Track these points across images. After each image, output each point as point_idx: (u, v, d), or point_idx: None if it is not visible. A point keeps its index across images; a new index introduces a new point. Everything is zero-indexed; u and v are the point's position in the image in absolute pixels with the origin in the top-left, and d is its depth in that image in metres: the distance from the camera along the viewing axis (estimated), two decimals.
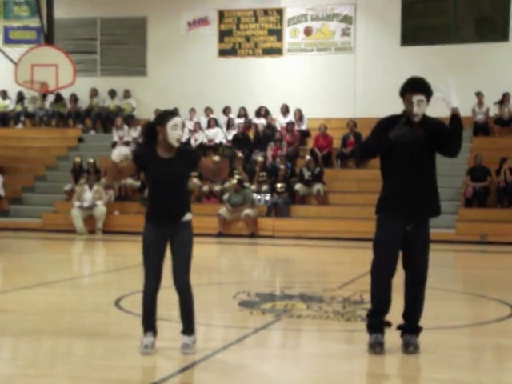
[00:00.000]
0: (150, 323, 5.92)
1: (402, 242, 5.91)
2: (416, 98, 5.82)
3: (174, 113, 5.97)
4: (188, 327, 5.89)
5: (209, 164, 6.16)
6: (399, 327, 6.03)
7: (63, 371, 5.50)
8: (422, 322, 6.53)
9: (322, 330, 7.09)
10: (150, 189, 5.95)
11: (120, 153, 5.88)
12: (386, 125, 5.95)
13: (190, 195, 6.23)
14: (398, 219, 5.85)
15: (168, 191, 5.82)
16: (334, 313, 7.77)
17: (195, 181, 18.94)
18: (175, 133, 5.79)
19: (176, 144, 5.81)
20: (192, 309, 5.91)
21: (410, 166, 5.86)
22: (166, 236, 5.85)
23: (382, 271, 5.90)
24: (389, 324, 6.02)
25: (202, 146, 20.75)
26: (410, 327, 5.99)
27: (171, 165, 5.81)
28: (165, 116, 5.87)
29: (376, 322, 5.97)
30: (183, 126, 5.90)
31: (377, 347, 5.86)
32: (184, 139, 20.78)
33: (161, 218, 5.84)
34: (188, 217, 5.90)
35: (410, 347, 5.89)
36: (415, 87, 5.86)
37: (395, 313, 6.08)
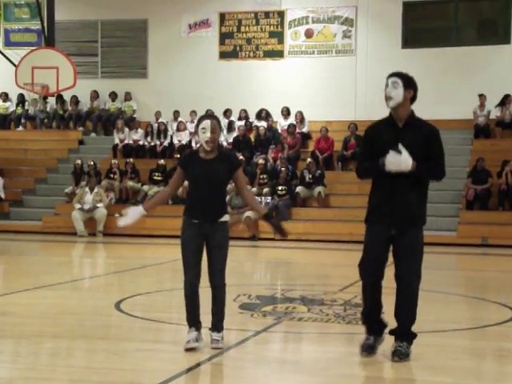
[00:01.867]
0: (191, 318, 6.07)
1: (388, 246, 5.75)
2: (391, 80, 5.80)
3: (206, 116, 6.17)
4: (218, 324, 6.09)
5: (242, 179, 6.22)
6: (391, 332, 5.88)
7: (64, 374, 5.49)
8: (423, 326, 6.51)
9: (322, 333, 7.08)
10: (190, 189, 6.17)
11: (133, 214, 6.08)
12: (372, 136, 5.85)
13: (225, 198, 6.31)
14: (381, 224, 5.73)
15: (206, 191, 5.99)
16: (334, 316, 7.76)
17: None
18: (203, 135, 5.96)
19: (206, 146, 5.97)
20: (222, 306, 6.12)
21: (393, 176, 5.66)
22: (203, 234, 6.01)
23: (365, 273, 5.78)
24: (384, 325, 5.92)
25: None
26: (401, 333, 5.80)
27: (210, 165, 6.00)
28: (198, 120, 6.13)
29: (368, 324, 5.91)
30: (215, 128, 5.90)
31: (364, 350, 5.83)
32: (185, 141, 20.82)
33: (199, 217, 6.02)
34: (225, 218, 6.07)
35: (395, 356, 5.71)
36: (392, 74, 5.88)
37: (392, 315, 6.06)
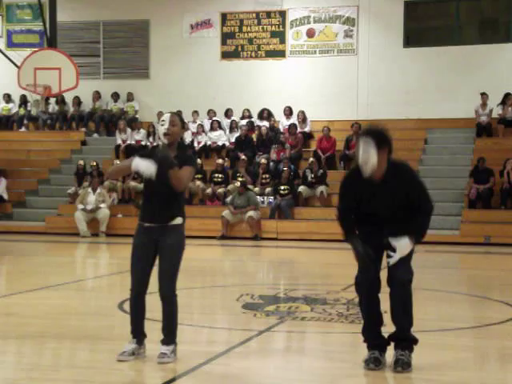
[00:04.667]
0: (133, 329, 5.85)
1: (379, 253, 5.66)
2: (362, 141, 5.47)
3: (169, 113, 5.91)
4: (166, 336, 5.76)
5: (183, 171, 5.69)
6: (390, 337, 5.74)
7: (67, 374, 5.50)
8: (426, 324, 6.53)
9: (325, 332, 7.08)
10: (143, 190, 5.89)
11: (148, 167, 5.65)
12: (349, 187, 5.71)
13: (184, 199, 5.97)
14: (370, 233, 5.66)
15: (156, 191, 5.70)
16: (337, 315, 7.76)
17: (198, 183, 18.95)
18: (162, 128, 5.75)
19: (164, 138, 5.72)
20: (172, 318, 5.76)
21: (374, 219, 5.64)
22: (154, 240, 5.72)
23: (359, 283, 5.69)
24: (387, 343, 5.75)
25: (205, 148, 20.77)
26: (400, 338, 5.66)
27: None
28: (159, 116, 5.91)
29: (370, 338, 5.74)
30: (174, 121, 5.59)
31: (371, 363, 5.62)
32: (187, 142, 20.83)
33: (148, 219, 5.75)
34: (177, 221, 5.73)
35: (397, 366, 5.56)
36: (362, 133, 5.55)
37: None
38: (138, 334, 5.84)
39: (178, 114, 6.00)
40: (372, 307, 5.69)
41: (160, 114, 21.57)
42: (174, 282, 5.73)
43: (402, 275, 5.60)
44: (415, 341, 5.69)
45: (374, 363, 5.63)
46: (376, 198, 5.58)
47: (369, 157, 5.41)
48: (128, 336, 5.87)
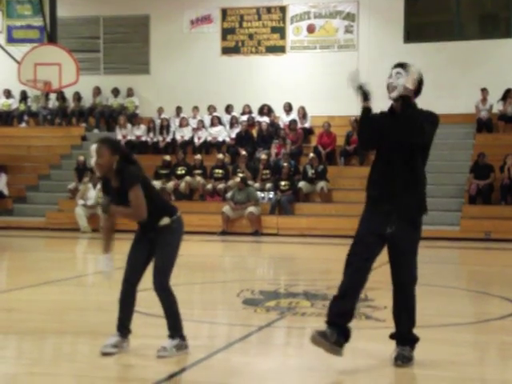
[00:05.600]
0: (118, 322, 5.87)
1: (381, 245, 5.52)
2: (394, 70, 5.68)
3: (98, 140, 5.79)
4: (169, 331, 5.79)
5: (132, 197, 5.63)
6: (391, 336, 5.71)
7: (68, 369, 5.51)
8: (426, 320, 6.53)
9: None
10: None
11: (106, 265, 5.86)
12: (374, 116, 5.83)
13: (162, 200, 5.96)
14: (378, 217, 5.52)
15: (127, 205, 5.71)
16: None
17: (199, 179, 18.97)
18: (92, 160, 5.77)
19: (97, 172, 5.73)
20: (169, 313, 5.78)
21: (389, 163, 5.54)
22: (149, 238, 5.78)
23: (349, 264, 5.49)
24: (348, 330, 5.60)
25: (205, 144, 20.77)
26: (401, 337, 5.64)
27: (119, 195, 5.67)
28: None
29: (332, 312, 5.57)
30: (100, 151, 5.44)
31: (313, 334, 5.43)
32: (187, 137, 20.84)
33: (140, 229, 5.85)
34: (164, 221, 5.73)
35: (397, 360, 5.53)
36: (395, 65, 5.74)
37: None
38: (123, 328, 5.85)
39: (106, 140, 5.77)
40: (345, 292, 5.51)
41: (160, 110, 21.67)
42: (166, 279, 5.72)
43: (403, 277, 5.55)
44: (416, 340, 5.65)
45: (315, 336, 5.39)
46: (392, 132, 5.55)
47: (400, 83, 5.61)
48: (132, 330, 5.88)
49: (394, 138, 5.55)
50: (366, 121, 5.68)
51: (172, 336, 5.78)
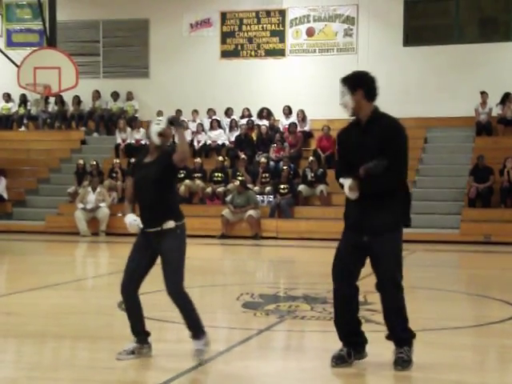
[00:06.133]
0: (131, 328, 5.84)
1: (360, 255, 5.54)
2: (339, 88, 5.53)
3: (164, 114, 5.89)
4: (191, 331, 5.77)
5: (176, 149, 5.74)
6: (387, 337, 5.69)
7: (67, 373, 5.50)
8: (426, 323, 6.52)
9: (325, 331, 7.08)
10: (135, 193, 5.85)
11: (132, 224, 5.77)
12: (342, 138, 5.66)
13: (176, 201, 5.97)
14: (352, 230, 5.55)
15: (145, 197, 5.70)
16: None
17: (198, 182, 18.96)
18: (157, 126, 5.66)
19: (156, 139, 5.64)
20: (187, 314, 5.73)
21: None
22: (152, 244, 5.72)
23: (334, 282, 5.69)
24: (364, 340, 5.70)
25: (205, 147, 20.77)
26: (396, 339, 5.59)
27: (147, 168, 5.68)
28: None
29: (341, 334, 5.67)
30: (169, 130, 5.66)
31: (332, 359, 5.60)
32: (187, 140, 20.81)
33: (144, 225, 5.73)
34: (169, 225, 5.67)
35: (397, 365, 5.50)
36: (340, 80, 5.57)
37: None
38: (137, 333, 5.82)
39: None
40: (338, 305, 5.64)
41: (160, 114, 21.64)
42: (179, 282, 5.69)
43: (381, 280, 5.50)
44: (412, 336, 5.59)
45: (335, 361, 5.58)
46: (359, 147, 5.45)
47: (345, 101, 5.48)
48: (128, 335, 5.87)
49: (360, 156, 5.43)
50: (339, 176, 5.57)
51: (196, 336, 5.72)
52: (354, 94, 5.46)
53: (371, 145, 5.40)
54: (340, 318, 5.67)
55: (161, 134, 5.66)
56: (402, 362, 5.52)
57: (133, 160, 6.18)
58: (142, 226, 5.70)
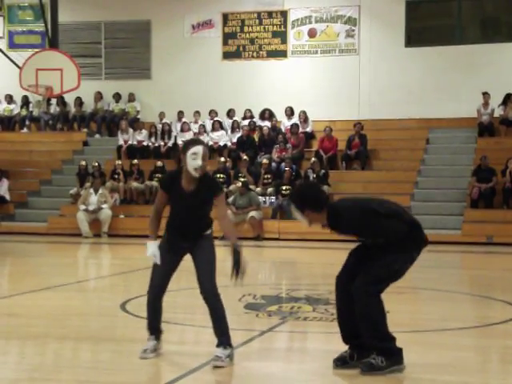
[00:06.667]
0: (151, 327, 5.90)
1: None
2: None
3: (196, 141, 5.81)
4: (219, 338, 5.74)
5: (224, 206, 6.05)
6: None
7: (69, 375, 5.50)
8: (429, 324, 6.50)
9: (327, 332, 7.07)
10: (172, 211, 5.87)
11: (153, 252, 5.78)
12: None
13: (210, 212, 6.09)
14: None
15: (186, 223, 5.82)
16: None
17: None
18: (194, 162, 5.61)
19: (194, 173, 5.64)
20: (218, 317, 5.75)
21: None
22: (182, 249, 5.82)
23: (336, 285, 5.87)
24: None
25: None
26: (367, 345, 5.55)
27: (192, 198, 5.74)
28: (187, 144, 5.72)
29: (344, 336, 5.70)
30: (206, 155, 5.68)
31: (334, 361, 5.65)
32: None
33: (181, 240, 5.83)
34: (207, 232, 5.95)
35: (362, 366, 5.50)
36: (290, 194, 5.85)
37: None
38: (155, 330, 5.88)
39: (206, 144, 5.97)
40: (340, 304, 5.72)
41: (162, 115, 21.67)
42: (215, 283, 5.79)
43: (356, 286, 5.53)
44: (385, 350, 5.47)
45: (336, 362, 5.64)
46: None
47: (298, 218, 5.64)
48: (130, 335, 5.87)
49: None
50: None
51: (223, 344, 5.69)
52: (304, 213, 5.59)
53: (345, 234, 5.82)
54: (342, 319, 5.69)
55: (198, 169, 5.65)
56: (365, 366, 5.47)
57: (166, 176, 6.18)
58: (159, 263, 5.74)
